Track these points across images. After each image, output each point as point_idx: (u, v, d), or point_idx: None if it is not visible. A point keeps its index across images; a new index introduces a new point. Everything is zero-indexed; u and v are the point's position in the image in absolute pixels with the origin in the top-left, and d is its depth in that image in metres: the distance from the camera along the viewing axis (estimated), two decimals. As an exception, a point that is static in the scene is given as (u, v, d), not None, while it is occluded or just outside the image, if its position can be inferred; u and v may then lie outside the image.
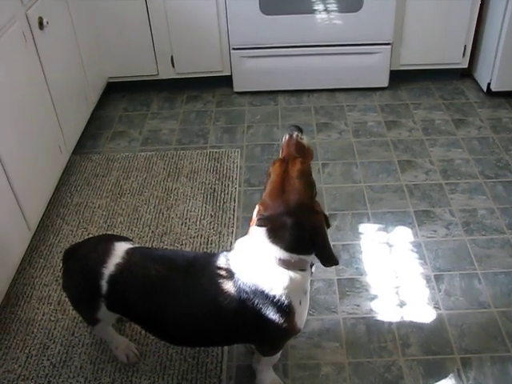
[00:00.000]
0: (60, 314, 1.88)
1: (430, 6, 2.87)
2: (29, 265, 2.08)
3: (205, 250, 2.10)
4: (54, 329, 1.83)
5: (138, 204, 2.35)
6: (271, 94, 3.14)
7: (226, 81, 3.16)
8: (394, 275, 1.99)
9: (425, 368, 1.67)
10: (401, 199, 2.34)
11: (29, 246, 2.13)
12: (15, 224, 1.98)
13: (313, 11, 2.86)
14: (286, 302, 1.31)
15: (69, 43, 2.58)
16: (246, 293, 1.32)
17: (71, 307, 1.80)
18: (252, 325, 1.35)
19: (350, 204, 2.32)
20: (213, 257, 1.42)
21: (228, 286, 1.34)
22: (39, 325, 1.85)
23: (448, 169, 2.50)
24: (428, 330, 1.78)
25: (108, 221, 2.27)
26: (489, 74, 2.95)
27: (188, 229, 2.21)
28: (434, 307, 1.86)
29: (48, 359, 1.74)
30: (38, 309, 1.91)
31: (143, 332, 1.79)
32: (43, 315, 1.88)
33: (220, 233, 2.18)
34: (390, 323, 1.81)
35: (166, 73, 3.12)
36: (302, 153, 1.38)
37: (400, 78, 3.14)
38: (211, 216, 2.27)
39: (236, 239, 1.46)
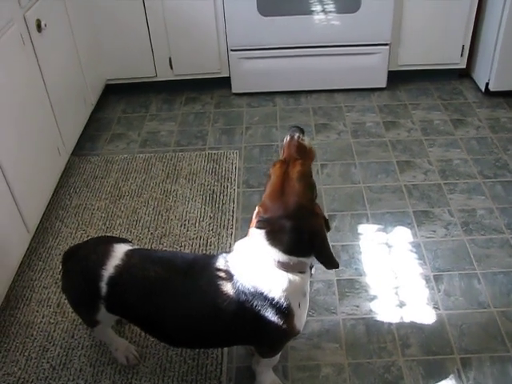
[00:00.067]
0: (59, 317, 1.88)
1: (427, 7, 2.88)
2: (28, 267, 2.08)
3: (204, 251, 2.10)
4: (54, 331, 1.83)
5: (137, 206, 2.35)
6: (269, 95, 3.14)
7: (225, 82, 3.16)
8: (394, 276, 1.99)
9: (425, 368, 1.67)
10: (400, 199, 2.34)
11: (28, 249, 2.13)
12: (14, 226, 1.98)
13: (311, 12, 2.86)
14: (284, 304, 1.31)
15: (67, 45, 2.57)
16: (245, 295, 1.32)
17: (71, 309, 1.80)
18: (251, 327, 1.35)
19: (349, 205, 2.32)
20: (212, 258, 1.41)
21: (227, 288, 1.34)
22: (39, 327, 1.85)
23: (447, 169, 2.50)
24: (428, 331, 1.78)
25: (107, 223, 2.27)
26: (487, 74, 2.95)
27: (187, 230, 2.21)
28: (434, 307, 1.86)
29: (48, 362, 1.74)
30: (37, 311, 1.90)
31: (143, 334, 1.79)
32: (43, 318, 1.88)
33: (219, 234, 2.18)
34: (390, 324, 1.81)
35: (165, 74, 3.11)
36: (304, 154, 1.36)
37: (398, 78, 3.15)
38: (210, 217, 2.27)
39: (235, 241, 1.46)
